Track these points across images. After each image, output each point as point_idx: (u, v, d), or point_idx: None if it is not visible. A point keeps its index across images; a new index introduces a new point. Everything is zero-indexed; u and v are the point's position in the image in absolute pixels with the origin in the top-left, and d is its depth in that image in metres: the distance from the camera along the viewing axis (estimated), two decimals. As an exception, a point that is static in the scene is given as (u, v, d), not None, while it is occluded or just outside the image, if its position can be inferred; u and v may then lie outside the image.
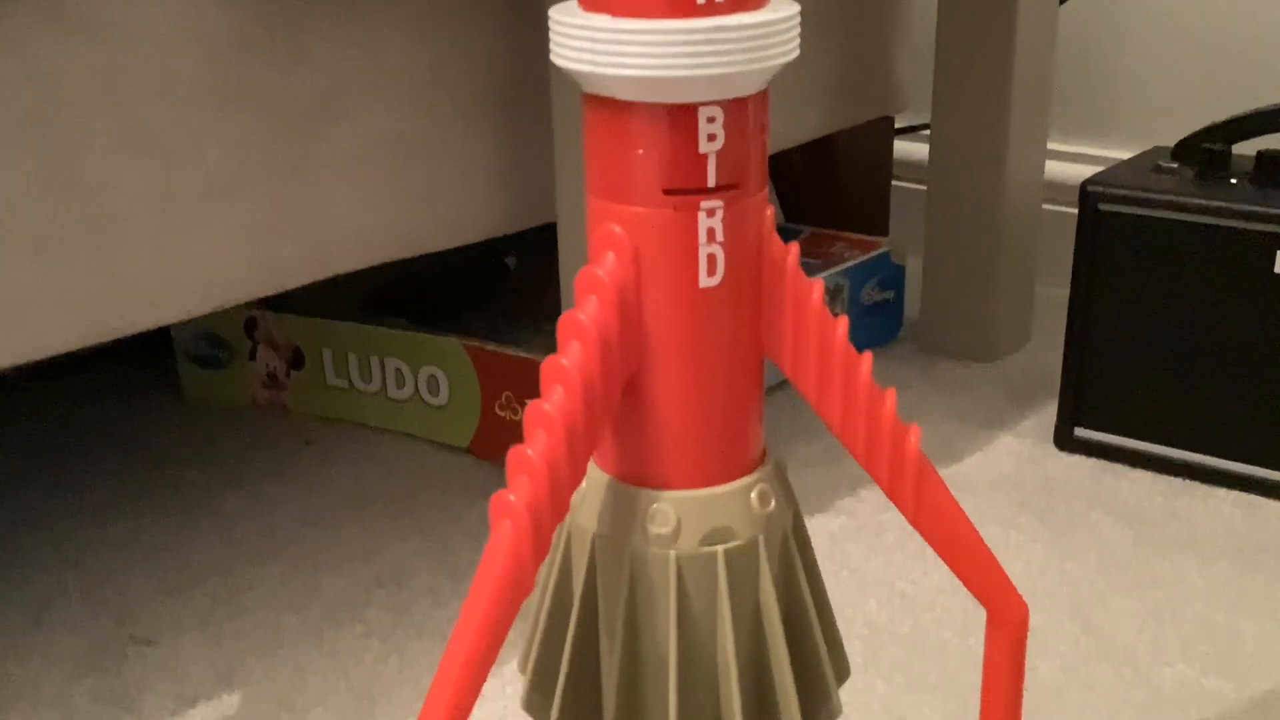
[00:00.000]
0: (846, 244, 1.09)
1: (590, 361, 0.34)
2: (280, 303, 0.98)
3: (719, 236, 0.34)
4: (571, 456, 0.34)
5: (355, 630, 0.72)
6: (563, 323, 0.34)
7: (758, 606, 0.37)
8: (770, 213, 0.36)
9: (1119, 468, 0.88)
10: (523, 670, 0.40)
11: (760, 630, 0.37)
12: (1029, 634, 0.69)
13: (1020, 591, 0.39)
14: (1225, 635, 0.69)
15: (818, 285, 0.36)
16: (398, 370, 0.93)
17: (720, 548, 0.36)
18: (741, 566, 0.36)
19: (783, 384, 1.01)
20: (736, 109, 0.33)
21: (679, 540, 0.36)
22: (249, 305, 0.99)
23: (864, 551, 0.79)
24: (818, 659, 0.38)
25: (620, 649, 0.37)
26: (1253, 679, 0.66)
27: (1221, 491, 0.84)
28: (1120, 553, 0.78)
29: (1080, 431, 0.89)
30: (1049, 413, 0.95)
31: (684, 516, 0.36)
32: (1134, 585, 0.74)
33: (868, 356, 0.36)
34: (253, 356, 0.99)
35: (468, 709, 0.33)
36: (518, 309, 1.07)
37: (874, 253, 1.07)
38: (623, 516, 0.37)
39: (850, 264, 1.04)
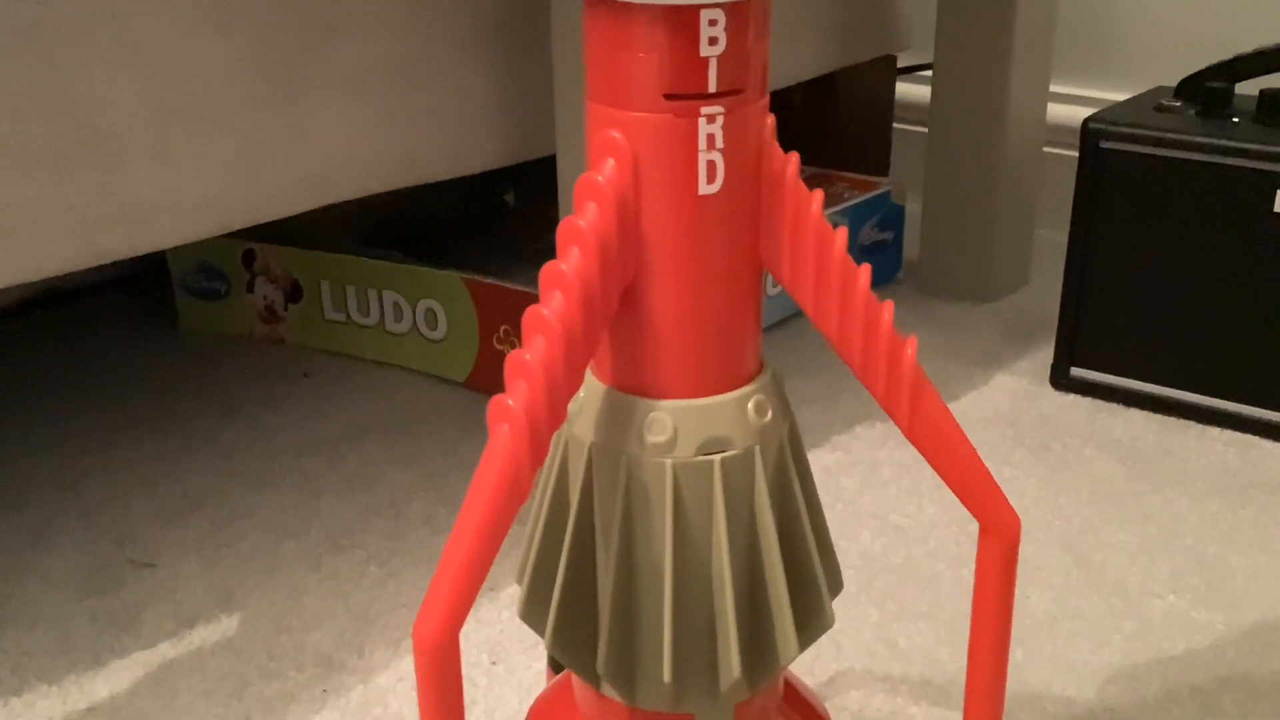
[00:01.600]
0: (847, 184, 1.08)
1: (589, 267, 0.34)
2: (278, 235, 0.98)
3: (719, 143, 0.34)
4: (569, 362, 0.34)
5: (353, 556, 0.73)
6: (562, 229, 0.34)
7: (753, 516, 0.37)
8: (771, 121, 0.35)
9: (1114, 407, 0.88)
10: (520, 581, 0.40)
11: (755, 539, 0.37)
12: (1021, 564, 0.70)
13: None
14: (1215, 569, 0.70)
15: (817, 196, 0.36)
16: (396, 304, 0.93)
17: (716, 457, 0.36)
18: (737, 476, 0.37)
19: (780, 323, 1.01)
20: (738, 12, 0.33)
21: (675, 449, 0.36)
22: (246, 237, 0.98)
23: (859, 485, 0.79)
24: (811, 570, 0.38)
25: (616, 558, 0.37)
26: (1242, 611, 0.66)
27: (1215, 430, 0.85)
28: (1113, 488, 0.78)
29: (1076, 371, 0.90)
30: (1045, 353, 0.96)
31: (681, 425, 0.36)
32: (1126, 519, 0.75)
33: (866, 268, 0.36)
34: (250, 289, 0.99)
35: (464, 610, 0.34)
36: (516, 245, 1.07)
37: (874, 193, 1.06)
38: (619, 425, 0.37)
39: (850, 203, 1.04)
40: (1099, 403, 0.89)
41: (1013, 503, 0.77)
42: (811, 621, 0.39)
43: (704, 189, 0.34)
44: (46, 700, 0.61)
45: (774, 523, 0.37)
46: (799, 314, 1.05)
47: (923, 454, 0.38)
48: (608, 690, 0.39)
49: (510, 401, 0.34)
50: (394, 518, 0.76)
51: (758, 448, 0.37)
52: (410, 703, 0.61)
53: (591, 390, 0.38)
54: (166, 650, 0.65)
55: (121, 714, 0.60)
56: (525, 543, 0.40)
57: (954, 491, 0.38)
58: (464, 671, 0.62)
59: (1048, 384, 0.91)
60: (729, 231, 0.35)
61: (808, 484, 0.39)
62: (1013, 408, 0.88)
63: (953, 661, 0.63)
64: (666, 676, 0.37)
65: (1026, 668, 0.62)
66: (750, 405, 0.37)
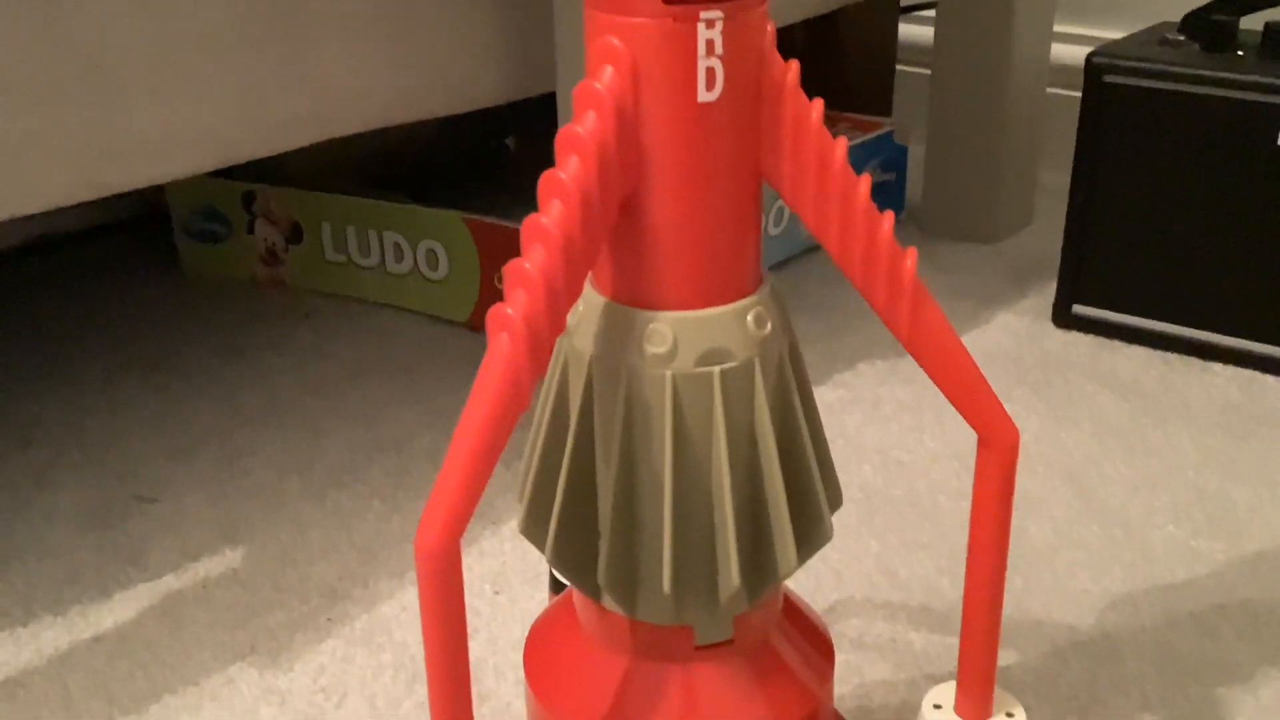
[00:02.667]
0: (849, 124, 1.08)
1: (588, 175, 0.34)
2: (278, 177, 0.98)
3: (718, 49, 0.34)
4: (569, 270, 0.34)
5: (357, 491, 0.73)
6: (560, 137, 0.34)
7: (752, 428, 0.37)
8: (771, 29, 0.35)
9: (1116, 344, 0.88)
10: (520, 497, 0.40)
11: (754, 451, 0.37)
12: (1021, 497, 0.70)
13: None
14: (1217, 501, 0.70)
15: (817, 105, 0.36)
16: (396, 244, 0.93)
17: (716, 368, 0.36)
18: (737, 387, 0.37)
19: (781, 264, 1.01)
20: (737, -85, 0.33)
21: (675, 360, 0.36)
22: (246, 178, 0.98)
23: (860, 422, 0.80)
24: (811, 482, 0.38)
25: (616, 470, 0.37)
26: (1242, 541, 0.66)
27: (1218, 366, 0.85)
28: (1115, 423, 0.78)
29: (1079, 308, 0.89)
30: (1048, 292, 0.96)
31: (680, 336, 0.36)
32: (1127, 454, 0.75)
33: (866, 179, 0.36)
34: (251, 231, 0.99)
35: (465, 518, 0.34)
36: (517, 188, 1.06)
37: (877, 133, 1.06)
38: (619, 337, 0.37)
39: (853, 144, 1.03)
40: (1101, 340, 0.89)
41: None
42: (811, 534, 0.39)
43: (703, 96, 0.34)
44: (52, 631, 0.61)
45: (774, 435, 0.37)
46: (799, 255, 1.05)
47: (922, 365, 0.38)
48: (608, 603, 0.40)
49: (509, 310, 0.34)
50: (397, 454, 0.77)
51: (757, 360, 0.37)
52: (414, 631, 0.61)
53: (590, 303, 0.38)
54: (171, 582, 0.65)
55: (128, 643, 0.60)
56: (525, 458, 0.40)
57: (953, 403, 0.38)
58: (467, 602, 0.63)
59: (1050, 322, 0.91)
60: (728, 140, 0.35)
61: (807, 398, 0.39)
62: (1015, 345, 0.88)
63: (953, 590, 0.63)
64: (667, 587, 0.37)
65: (1026, 596, 0.63)
66: (750, 317, 0.37)
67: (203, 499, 0.72)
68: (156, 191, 1.04)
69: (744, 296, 0.37)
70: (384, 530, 0.69)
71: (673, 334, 0.36)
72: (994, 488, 0.38)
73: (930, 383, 0.84)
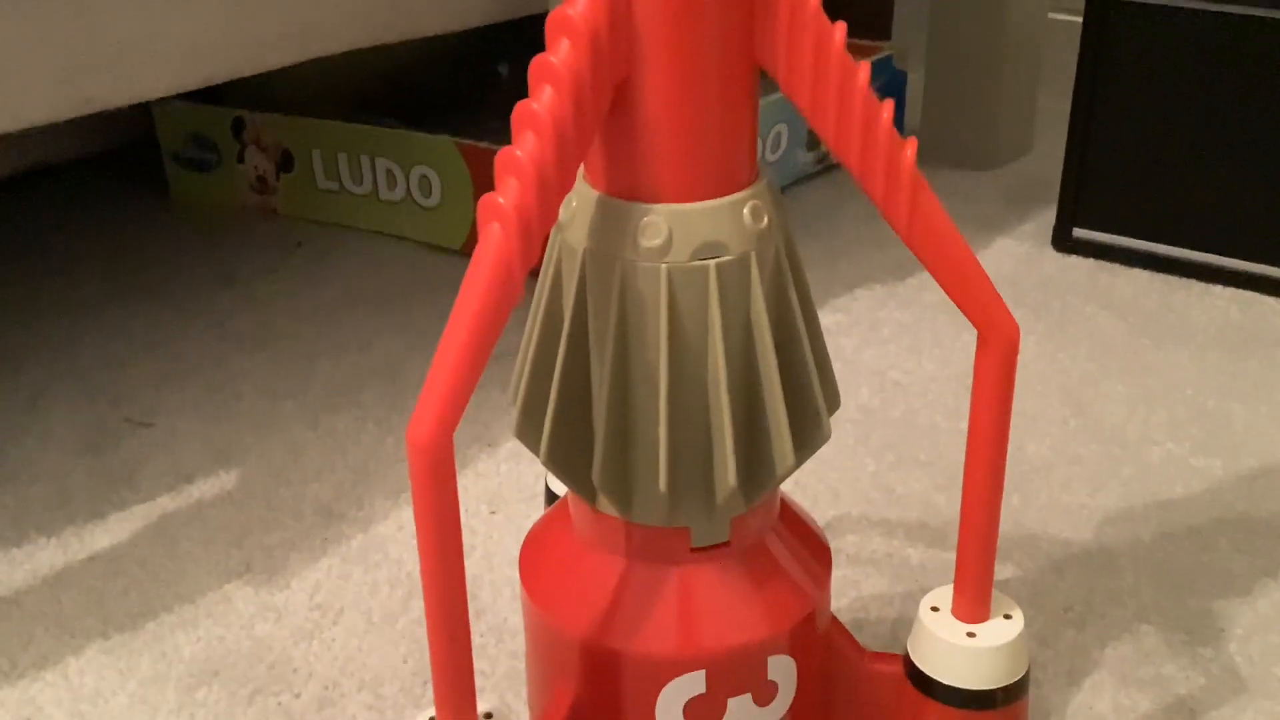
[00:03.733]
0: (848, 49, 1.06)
1: (579, 59, 0.33)
2: (268, 103, 0.96)
3: (712, -71, 0.33)
4: (561, 158, 0.33)
5: (350, 414, 0.72)
6: (551, 20, 0.33)
7: (749, 323, 0.37)
8: (766, -90, 0.34)
9: (1116, 267, 0.88)
10: (513, 398, 0.40)
11: (751, 348, 0.37)
12: (1019, 416, 0.70)
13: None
14: (1215, 418, 0.70)
15: (814, -10, 0.35)
16: (389, 171, 0.92)
17: (712, 261, 0.36)
18: (733, 281, 0.36)
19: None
20: None
21: (670, 253, 0.35)
22: (236, 105, 0.97)
23: (858, 344, 0.79)
24: (808, 381, 0.38)
25: (610, 366, 0.36)
26: (1240, 457, 0.66)
27: (1218, 288, 0.84)
28: (1114, 344, 0.78)
29: (1079, 232, 0.89)
30: (1048, 218, 0.95)
31: (675, 229, 0.35)
32: (1126, 373, 0.75)
33: (865, 66, 0.35)
34: (241, 159, 0.98)
35: (458, 411, 0.33)
36: (510, 115, 1.05)
37: (876, 57, 1.04)
38: (613, 231, 0.36)
39: (850, 68, 1.02)
40: (1101, 263, 0.88)
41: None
42: (808, 434, 0.38)
43: (697, -23, 0.33)
44: (46, 551, 0.61)
45: (770, 331, 0.37)
46: (796, 182, 1.04)
47: (921, 259, 0.37)
48: (604, 506, 0.39)
49: (501, 199, 0.33)
50: (390, 379, 0.76)
51: (753, 254, 0.36)
52: (410, 550, 0.61)
53: (584, 197, 0.37)
54: (166, 503, 0.65)
55: (122, 562, 0.60)
56: (519, 358, 0.40)
57: (952, 298, 0.37)
58: (464, 522, 0.62)
59: (1049, 246, 0.90)
60: (723, 25, 0.34)
61: (804, 296, 0.38)
62: (1014, 269, 0.88)
63: (949, 507, 0.63)
64: (662, 485, 0.37)
65: (1022, 511, 0.62)
66: (746, 210, 0.36)
67: (195, 423, 0.72)
68: (146, 120, 1.02)
69: (740, 189, 0.36)
70: (378, 452, 0.69)
71: (667, 227, 0.35)
72: (993, 385, 0.38)
73: (929, 307, 0.83)
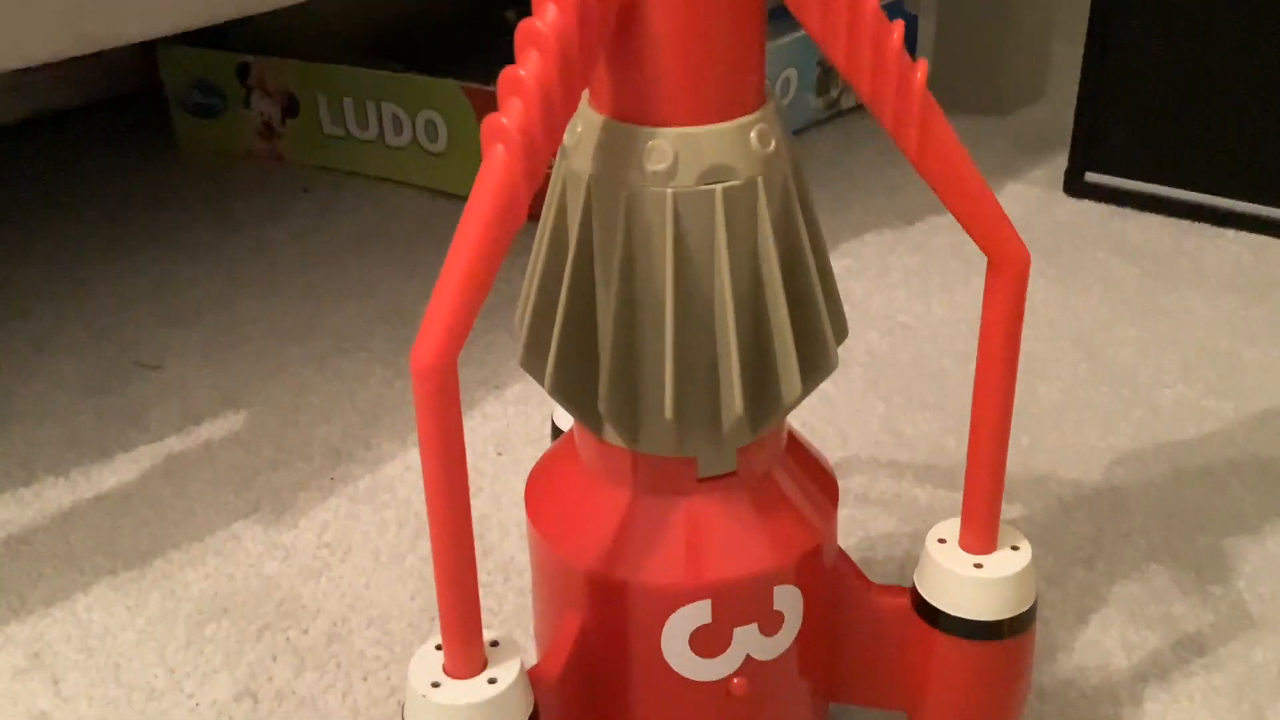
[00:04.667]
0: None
1: (584, -23, 0.32)
2: (273, 48, 0.95)
3: None
4: (565, 78, 0.33)
5: (358, 358, 0.72)
6: (554, -63, 0.33)
7: (756, 249, 0.36)
8: None
9: (1128, 211, 0.87)
10: (518, 328, 0.39)
11: (758, 274, 0.36)
12: (1029, 359, 0.69)
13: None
14: (1227, 361, 0.69)
15: (824, -94, 0.34)
16: (395, 116, 0.92)
17: (719, 186, 0.35)
18: (740, 206, 0.35)
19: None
20: None
21: (676, 177, 0.35)
22: (242, 50, 0.96)
23: (867, 289, 0.79)
24: (815, 309, 0.37)
25: (616, 293, 0.36)
26: (1253, 399, 0.66)
27: (1231, 232, 0.83)
28: (1125, 288, 0.77)
29: (1091, 176, 0.88)
30: (1059, 163, 0.94)
31: (681, 153, 0.35)
32: (1137, 317, 0.74)
33: (875, -15, 0.35)
34: (247, 104, 0.97)
35: (461, 335, 0.33)
36: (518, 61, 1.04)
37: (886, 0, 1.03)
38: (618, 155, 0.35)
39: (861, 12, 1.01)
40: (1113, 208, 0.87)
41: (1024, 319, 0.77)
42: (815, 362, 0.38)
43: (703, -109, 0.33)
44: (55, 490, 0.61)
45: (777, 257, 0.36)
46: (806, 128, 1.03)
47: (931, 185, 0.36)
48: (609, 435, 0.39)
49: (505, 120, 0.32)
50: (398, 322, 0.76)
51: (761, 178, 0.36)
52: (418, 490, 0.61)
53: (589, 122, 0.36)
54: (174, 444, 0.65)
55: (130, 502, 0.60)
56: (524, 287, 0.39)
57: (962, 223, 0.37)
58: (470, 462, 0.62)
59: (1061, 191, 0.90)
60: (731, -58, 0.33)
61: (812, 223, 0.38)
62: (1025, 215, 0.87)
63: (958, 449, 0.63)
64: (669, 413, 0.36)
65: (1032, 453, 0.62)
66: (753, 134, 0.36)
67: (204, 365, 0.72)
68: (151, 66, 1.01)
69: (748, 113, 0.36)
70: (386, 395, 0.69)
71: (673, 150, 0.35)
72: (1003, 312, 0.37)
73: (938, 251, 0.83)
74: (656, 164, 0.35)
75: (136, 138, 1.04)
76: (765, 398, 0.38)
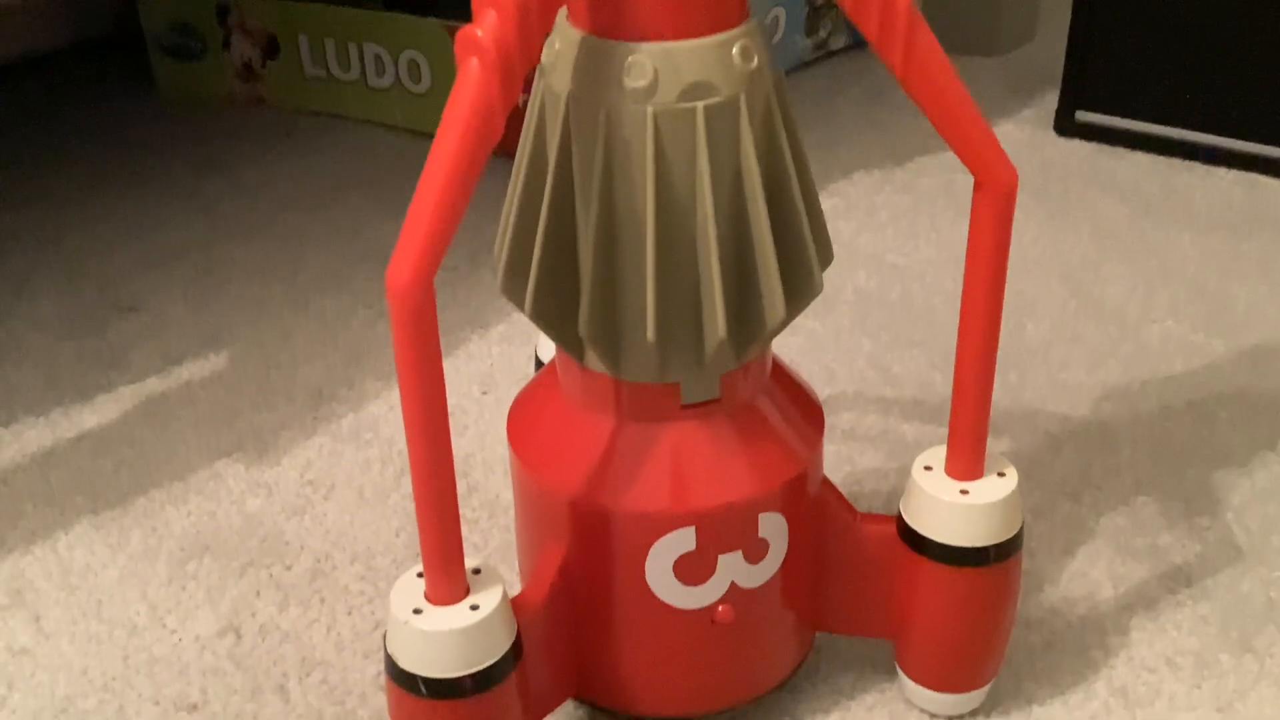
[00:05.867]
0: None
1: (560, -117, 0.31)
2: (253, -12, 0.94)
3: None
4: (541, -11, 0.32)
5: (341, 299, 0.72)
6: None
7: (738, 169, 0.35)
8: None
9: (1118, 150, 0.86)
10: (497, 253, 0.39)
11: (740, 195, 0.36)
12: (1017, 297, 0.69)
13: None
14: (1216, 297, 0.69)
15: None
16: (377, 56, 0.90)
17: (700, 103, 0.34)
18: (722, 124, 0.35)
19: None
20: None
21: (656, 94, 0.34)
22: (220, -9, 0.94)
23: (855, 229, 0.78)
24: (799, 230, 0.37)
25: (596, 214, 0.35)
26: (1241, 335, 0.65)
27: (1222, 170, 0.82)
28: (1115, 226, 0.77)
29: (1081, 115, 0.87)
30: (1050, 103, 0.93)
31: (661, 69, 0.34)
32: (1127, 254, 0.73)
33: (860, -105, 0.34)
34: (226, 46, 0.96)
35: (438, 255, 0.32)
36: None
37: (875, -60, 1.01)
38: (597, 72, 0.35)
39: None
40: (1103, 147, 0.86)
41: (1011, 242, 0.76)
42: (799, 286, 0.37)
43: None
44: (34, 431, 0.61)
45: (760, 177, 0.36)
46: (795, 69, 1.01)
47: (917, 103, 0.36)
48: (591, 361, 0.39)
49: (479, 32, 0.32)
50: (381, 263, 0.75)
51: (743, 95, 0.35)
52: (401, 429, 0.60)
53: (567, 39, 0.36)
54: (155, 385, 0.64)
55: (110, 442, 0.60)
56: (504, 210, 0.39)
57: (948, 141, 0.36)
58: (454, 401, 0.62)
59: (1052, 131, 0.89)
60: None
61: (796, 144, 0.37)
62: (1015, 154, 0.86)
63: (945, 385, 0.62)
64: (651, 335, 0.36)
65: (1020, 389, 0.62)
66: (735, 50, 0.35)
67: (184, 307, 0.71)
68: (130, 8, 1.00)
69: (730, 28, 0.35)
70: (369, 335, 0.68)
71: (653, 67, 0.34)
72: (989, 232, 0.37)
73: (926, 191, 0.82)
74: (636, 81, 0.34)
75: (115, 81, 1.03)
76: (749, 321, 0.37)
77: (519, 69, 0.32)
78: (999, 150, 0.36)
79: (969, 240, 0.37)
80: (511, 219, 0.38)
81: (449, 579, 0.36)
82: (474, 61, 0.32)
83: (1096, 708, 0.44)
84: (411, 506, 0.55)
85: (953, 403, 0.40)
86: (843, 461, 0.57)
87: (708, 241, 0.36)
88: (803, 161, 0.38)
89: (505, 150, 0.41)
